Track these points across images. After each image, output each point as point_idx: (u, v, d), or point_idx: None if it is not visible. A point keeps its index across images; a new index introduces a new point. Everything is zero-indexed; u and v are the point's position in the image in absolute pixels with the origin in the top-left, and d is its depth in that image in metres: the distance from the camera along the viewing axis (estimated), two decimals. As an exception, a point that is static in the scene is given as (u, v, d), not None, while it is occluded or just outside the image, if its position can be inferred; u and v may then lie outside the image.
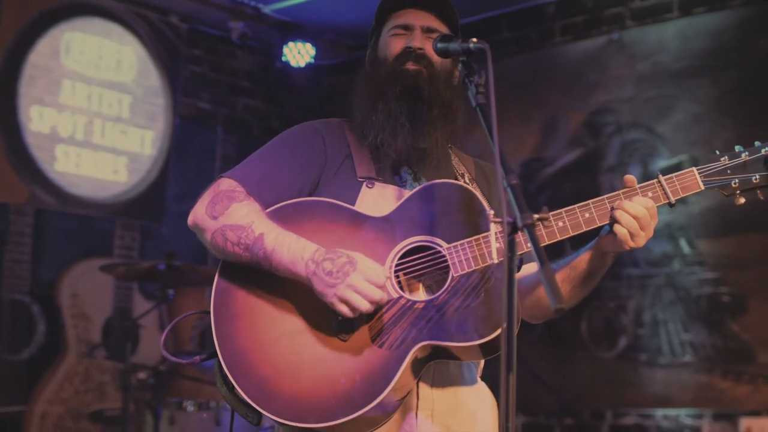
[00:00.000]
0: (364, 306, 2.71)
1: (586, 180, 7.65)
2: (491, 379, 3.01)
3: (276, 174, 3.02)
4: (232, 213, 2.89)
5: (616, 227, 2.84)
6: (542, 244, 2.82)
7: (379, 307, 2.79)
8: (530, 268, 3.11)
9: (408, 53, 3.07)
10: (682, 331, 7.06)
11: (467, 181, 3.17)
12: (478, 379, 3.09)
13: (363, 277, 2.72)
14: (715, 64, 7.12)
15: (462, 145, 3.28)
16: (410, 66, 3.06)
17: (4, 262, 7.20)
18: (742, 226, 6.76)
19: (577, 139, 7.78)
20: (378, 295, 2.73)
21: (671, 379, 7.07)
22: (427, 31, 3.13)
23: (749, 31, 7.02)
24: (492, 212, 2.66)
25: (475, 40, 2.78)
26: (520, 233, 2.36)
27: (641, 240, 2.85)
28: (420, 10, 3.17)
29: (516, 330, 2.75)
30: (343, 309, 2.73)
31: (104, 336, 7.59)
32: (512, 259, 2.33)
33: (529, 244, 2.38)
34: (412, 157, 3.07)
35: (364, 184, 3.01)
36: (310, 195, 3.03)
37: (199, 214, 2.96)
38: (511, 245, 2.35)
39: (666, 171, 2.93)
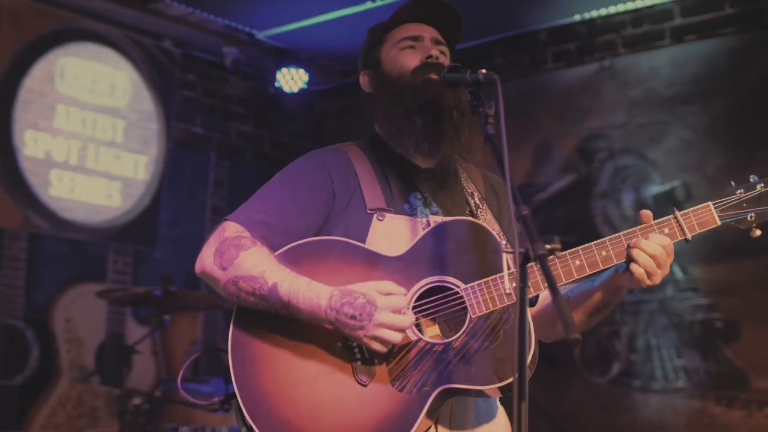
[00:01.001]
0: (397, 338, 2.71)
1: (578, 205, 7.67)
2: (505, 403, 3.02)
3: (281, 215, 2.95)
4: (241, 263, 2.83)
5: (633, 267, 2.83)
6: (560, 284, 2.85)
7: (398, 350, 2.77)
8: (545, 295, 3.10)
9: (430, 65, 3.03)
10: (675, 356, 7.08)
11: (477, 201, 3.14)
12: (497, 404, 3.06)
13: (387, 311, 2.69)
14: (706, 90, 7.16)
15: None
16: (435, 75, 2.99)
17: (-1, 287, 7.20)
18: (735, 252, 6.78)
19: (569, 165, 7.81)
20: (406, 321, 2.72)
21: (664, 405, 7.08)
22: (437, 43, 3.12)
23: (740, 58, 7.07)
24: (505, 242, 2.66)
25: (484, 71, 2.78)
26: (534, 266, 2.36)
27: (658, 278, 2.85)
28: (422, 24, 3.15)
29: (533, 368, 2.76)
30: (377, 347, 2.72)
31: (97, 361, 7.57)
32: (524, 290, 2.33)
33: (546, 284, 2.37)
34: (422, 179, 3.05)
35: (375, 216, 2.96)
36: (319, 231, 2.98)
37: (207, 263, 2.89)
38: (523, 276, 2.34)
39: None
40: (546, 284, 2.34)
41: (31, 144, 7.45)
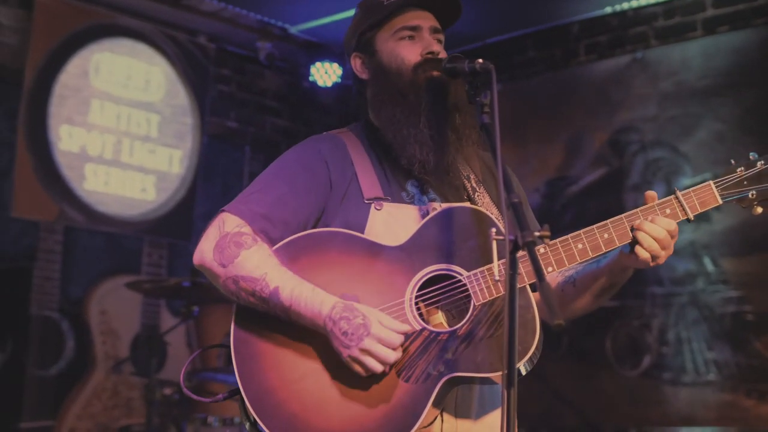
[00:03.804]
0: (378, 368, 2.70)
1: (610, 199, 7.64)
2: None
3: (281, 207, 2.93)
4: (242, 262, 2.81)
5: (638, 249, 2.82)
6: (561, 269, 2.86)
7: (403, 340, 2.75)
8: (551, 279, 3.09)
9: (432, 61, 3.00)
10: (706, 349, 7.04)
11: (474, 185, 3.12)
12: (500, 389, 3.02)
13: (376, 341, 2.69)
14: (737, 82, 7.10)
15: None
16: (438, 74, 2.98)
17: (35, 279, 7.29)
18: (766, 244, 6.74)
19: (601, 158, 7.79)
20: (392, 357, 2.71)
21: (695, 398, 7.05)
22: (435, 31, 3.09)
23: (772, 49, 7.02)
24: (494, 230, 2.67)
25: (480, 60, 2.76)
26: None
27: (662, 259, 2.84)
28: (419, 10, 3.10)
29: (538, 354, 2.76)
30: (357, 368, 2.72)
31: (132, 352, 7.67)
32: (514, 277, 2.33)
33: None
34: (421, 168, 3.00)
35: (373, 206, 2.94)
36: (317, 222, 2.97)
37: (207, 258, 2.88)
38: (514, 263, 2.34)
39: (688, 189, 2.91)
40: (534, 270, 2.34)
41: (66, 138, 7.55)
